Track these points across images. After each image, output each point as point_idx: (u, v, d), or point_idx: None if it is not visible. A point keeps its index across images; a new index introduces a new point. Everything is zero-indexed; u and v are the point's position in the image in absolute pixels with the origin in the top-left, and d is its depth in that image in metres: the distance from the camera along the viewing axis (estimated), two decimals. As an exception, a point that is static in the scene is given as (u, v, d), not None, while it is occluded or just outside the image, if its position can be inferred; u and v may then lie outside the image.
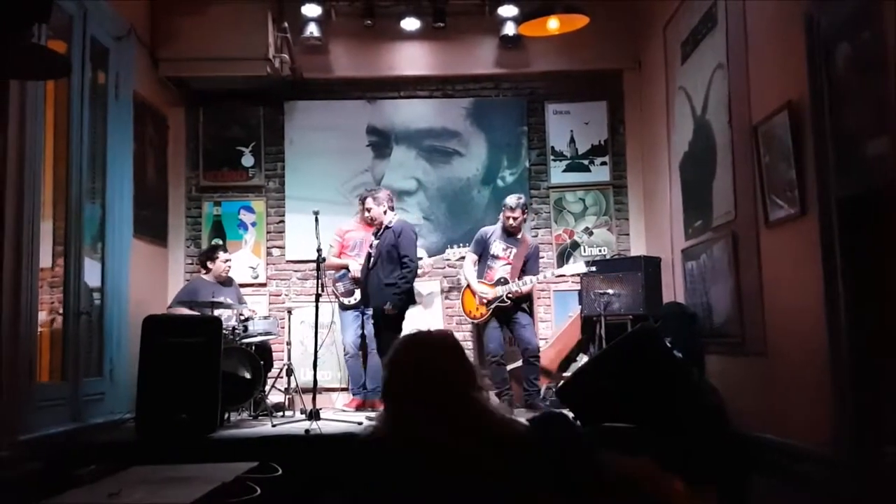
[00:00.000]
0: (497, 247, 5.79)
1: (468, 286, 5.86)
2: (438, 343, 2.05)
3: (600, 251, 6.69)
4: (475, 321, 5.88)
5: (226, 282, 6.01)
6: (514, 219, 5.72)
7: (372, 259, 5.48)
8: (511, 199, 5.79)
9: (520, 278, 5.67)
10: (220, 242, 6.60)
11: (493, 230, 5.88)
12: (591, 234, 6.77)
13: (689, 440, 3.83)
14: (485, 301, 5.70)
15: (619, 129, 6.85)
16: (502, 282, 5.68)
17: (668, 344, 4.42)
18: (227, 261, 6.02)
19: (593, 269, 5.83)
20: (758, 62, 4.11)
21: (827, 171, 3.39)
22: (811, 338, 3.44)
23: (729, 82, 4.49)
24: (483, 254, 5.85)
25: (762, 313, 4.05)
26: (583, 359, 5.85)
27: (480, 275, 5.81)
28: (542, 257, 6.31)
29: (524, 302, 5.78)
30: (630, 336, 4.54)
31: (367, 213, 5.74)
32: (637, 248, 6.62)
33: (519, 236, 5.83)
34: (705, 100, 4.94)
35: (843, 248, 3.29)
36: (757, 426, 4.02)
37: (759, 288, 4.08)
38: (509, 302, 5.64)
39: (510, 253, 5.76)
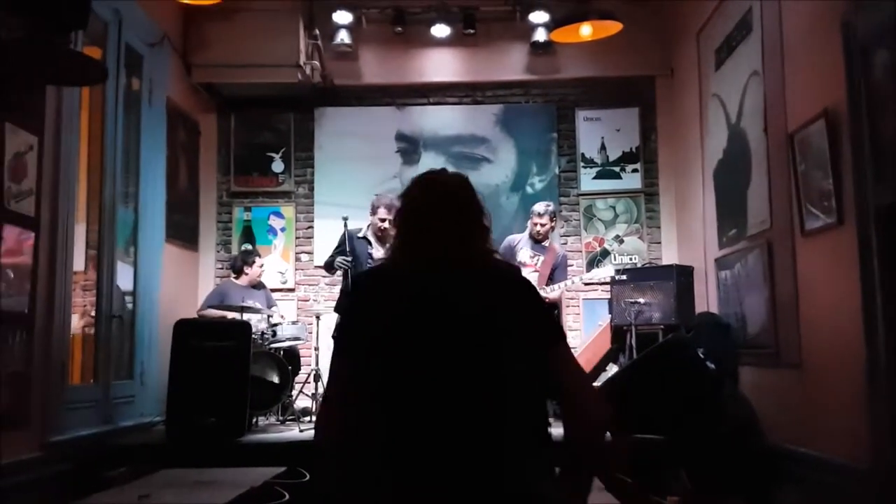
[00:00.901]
0: (524, 254, 5.74)
1: None
2: (458, 181, 1.97)
3: (631, 259, 6.62)
4: None
5: (257, 285, 6.05)
6: (542, 226, 5.66)
7: None
8: (539, 206, 5.75)
9: (547, 286, 5.62)
10: (251, 248, 6.64)
11: (521, 238, 5.84)
12: (621, 242, 6.70)
13: (720, 452, 3.76)
14: None
15: (650, 136, 6.78)
16: None
17: (701, 355, 4.35)
18: (262, 265, 6.10)
19: (623, 276, 5.77)
20: (794, 69, 4.04)
21: (864, 180, 3.31)
22: (848, 350, 3.36)
23: (764, 89, 4.42)
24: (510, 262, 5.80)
25: (797, 324, 3.97)
26: (612, 369, 5.78)
27: None
28: (571, 265, 6.22)
29: (553, 310, 5.72)
30: (661, 346, 4.48)
31: (383, 225, 5.40)
32: (669, 256, 6.54)
33: (546, 244, 5.76)
34: (740, 107, 4.87)
35: (882, 258, 3.22)
36: (791, 439, 3.94)
37: (795, 298, 4.00)
38: None
39: (537, 260, 5.70)
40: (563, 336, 1.77)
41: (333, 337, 1.90)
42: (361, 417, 1.70)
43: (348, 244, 5.37)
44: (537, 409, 1.74)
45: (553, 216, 5.77)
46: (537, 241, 5.74)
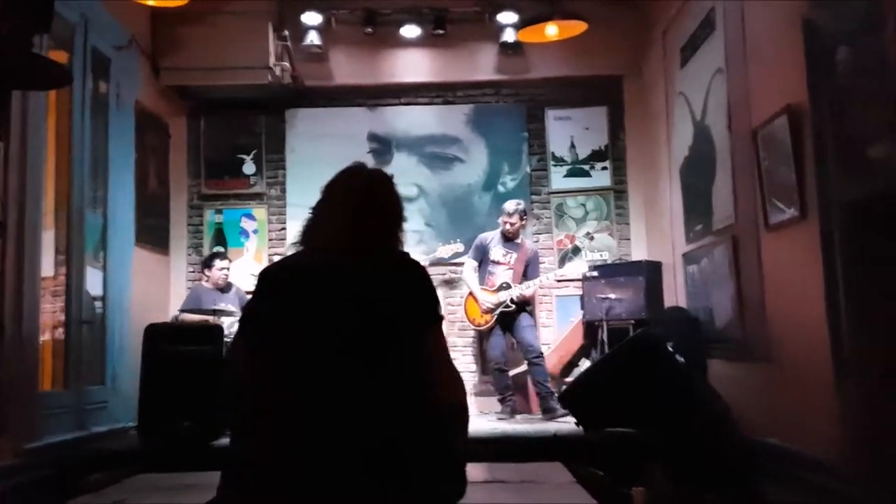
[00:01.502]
0: (497, 252, 5.78)
1: (470, 293, 5.85)
2: (371, 176, 2.12)
3: (601, 256, 6.69)
4: (479, 328, 5.85)
5: (224, 288, 5.98)
6: (512, 224, 5.72)
7: None
8: (509, 205, 5.80)
9: (521, 283, 5.67)
10: (221, 249, 6.61)
11: (493, 236, 5.88)
12: (592, 238, 6.77)
13: (693, 445, 3.83)
14: (488, 308, 5.68)
15: (619, 134, 6.86)
16: (505, 286, 5.66)
17: (671, 349, 4.43)
18: (222, 268, 5.97)
19: (594, 272, 5.84)
20: (757, 66, 4.12)
21: (827, 175, 3.39)
22: (814, 341, 3.44)
23: (728, 87, 4.50)
24: (483, 260, 5.83)
25: (764, 317, 4.05)
26: (585, 364, 5.84)
27: (481, 281, 5.78)
28: (543, 262, 6.29)
29: (527, 306, 5.77)
30: (632, 341, 4.55)
31: None
32: (638, 252, 6.62)
33: (518, 241, 5.82)
34: (705, 104, 4.95)
35: (844, 252, 3.30)
36: (761, 431, 4.01)
37: (761, 292, 4.08)
38: (514, 306, 5.62)
39: (510, 258, 5.75)
40: (435, 321, 1.86)
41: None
42: (249, 387, 1.83)
43: None
44: (412, 385, 1.79)
45: (523, 214, 5.83)
46: (508, 238, 5.79)
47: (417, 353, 1.80)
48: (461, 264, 6.14)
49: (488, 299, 5.68)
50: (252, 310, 1.93)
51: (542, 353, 5.65)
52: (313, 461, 1.71)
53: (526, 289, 5.63)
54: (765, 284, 4.05)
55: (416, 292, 1.87)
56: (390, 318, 1.80)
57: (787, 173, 3.68)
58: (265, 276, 1.98)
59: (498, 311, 5.64)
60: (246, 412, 1.85)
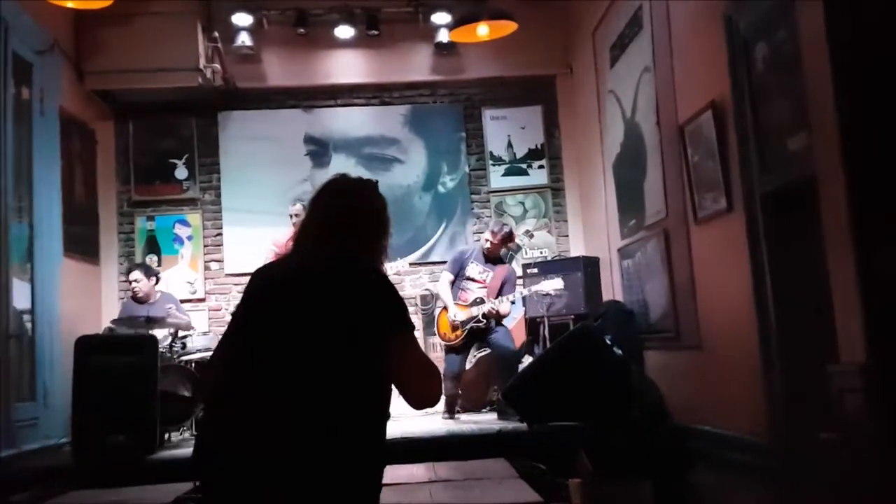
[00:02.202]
0: (474, 269, 5.61)
1: (444, 308, 5.63)
2: (351, 187, 2.21)
3: (541, 253, 6.77)
4: (449, 343, 5.55)
5: (143, 300, 5.67)
6: (494, 244, 5.54)
7: None
8: (494, 225, 5.68)
9: (496, 298, 5.46)
10: (154, 257, 6.47)
11: (472, 251, 5.73)
12: (531, 236, 6.85)
13: (630, 436, 3.90)
14: (458, 325, 5.46)
15: (554, 132, 6.95)
16: (478, 301, 5.47)
17: (608, 341, 4.50)
18: (130, 282, 5.69)
19: (535, 269, 5.88)
20: (682, 64, 4.22)
21: (750, 168, 3.51)
22: (742, 329, 3.54)
23: (655, 84, 4.60)
24: (459, 274, 5.64)
25: (695, 308, 4.15)
26: (528, 360, 5.89)
27: (454, 296, 5.58)
28: (519, 284, 5.92)
29: (500, 322, 5.54)
30: (569, 336, 4.61)
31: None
32: (576, 248, 6.72)
33: (500, 264, 5.68)
34: (634, 102, 5.05)
35: (769, 241, 3.42)
36: (695, 418, 4.12)
37: (692, 283, 4.19)
38: (484, 322, 5.42)
39: (487, 276, 5.57)
40: (402, 329, 1.93)
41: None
42: (221, 386, 1.96)
43: None
44: (372, 388, 1.89)
45: (508, 238, 5.68)
46: (489, 258, 5.61)
47: (382, 359, 1.88)
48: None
49: (459, 315, 5.47)
50: (236, 307, 2.08)
51: (516, 357, 5.51)
52: (249, 450, 1.81)
53: (499, 304, 5.41)
54: (695, 276, 4.16)
55: (379, 302, 1.94)
56: (343, 324, 1.87)
57: (714, 167, 3.78)
58: (250, 278, 2.12)
59: (468, 327, 5.43)
60: (208, 398, 2.02)
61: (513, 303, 5.56)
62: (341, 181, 2.19)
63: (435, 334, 5.86)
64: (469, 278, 5.60)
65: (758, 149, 3.47)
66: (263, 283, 2.06)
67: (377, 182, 2.25)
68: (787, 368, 3.32)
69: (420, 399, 1.93)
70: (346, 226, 2.06)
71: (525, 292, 5.62)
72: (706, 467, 3.88)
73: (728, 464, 3.69)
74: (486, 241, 5.59)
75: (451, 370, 5.50)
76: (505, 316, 5.56)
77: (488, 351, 5.69)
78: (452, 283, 5.65)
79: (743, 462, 3.56)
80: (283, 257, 2.17)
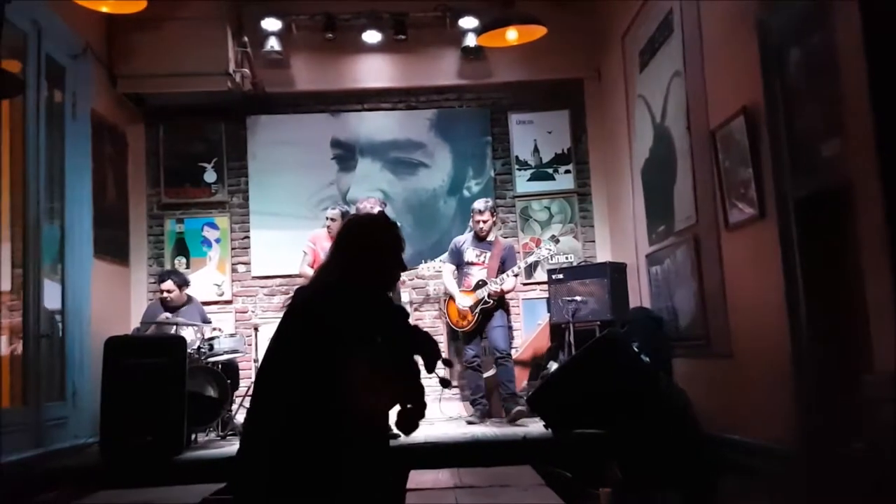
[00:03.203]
0: (470, 254, 5.78)
1: (451, 297, 5.83)
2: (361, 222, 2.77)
3: (567, 258, 6.73)
4: (462, 330, 5.77)
5: (175, 307, 5.80)
6: (484, 222, 5.72)
7: None
8: (479, 203, 5.81)
9: (496, 277, 5.65)
10: (183, 260, 6.54)
11: (465, 238, 5.89)
12: (557, 241, 6.79)
13: (658, 444, 3.86)
14: (468, 310, 5.65)
15: (581, 137, 6.91)
16: (481, 284, 5.65)
17: (635, 349, 4.46)
18: (162, 291, 5.81)
19: (560, 275, 5.88)
20: (713, 68, 4.17)
21: (783, 174, 3.45)
22: (774, 337, 3.49)
23: (686, 89, 4.56)
24: (459, 263, 5.82)
25: (726, 315, 4.10)
26: (552, 366, 5.86)
27: (459, 284, 5.78)
28: (519, 253, 6.30)
29: (502, 301, 5.72)
30: (596, 343, 4.57)
31: None
32: (603, 254, 6.67)
33: (491, 239, 5.82)
34: (664, 107, 5.00)
35: (802, 248, 3.36)
36: (724, 427, 4.06)
37: (722, 290, 4.13)
38: (491, 302, 5.61)
39: (484, 257, 5.74)
40: (368, 341, 2.30)
41: None
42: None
43: None
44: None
45: (493, 211, 5.84)
46: (481, 238, 5.79)
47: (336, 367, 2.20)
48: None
49: (465, 301, 5.66)
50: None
51: (509, 354, 5.65)
52: (255, 448, 2.28)
53: (500, 283, 5.61)
54: (726, 283, 4.11)
55: (352, 318, 2.29)
56: (325, 336, 2.25)
57: (745, 173, 3.73)
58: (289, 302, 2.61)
59: (478, 310, 5.62)
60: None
61: (516, 275, 5.77)
62: (352, 219, 2.79)
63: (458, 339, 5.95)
64: (468, 263, 5.77)
65: (791, 154, 3.41)
66: (290, 301, 2.53)
67: (383, 216, 2.76)
68: (820, 377, 3.25)
69: (363, 410, 2.19)
70: (339, 256, 2.49)
71: (521, 265, 5.83)
72: (736, 477, 3.82)
73: (758, 473, 3.64)
74: (475, 221, 5.76)
75: (472, 353, 5.66)
76: (509, 291, 5.75)
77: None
78: (456, 272, 5.82)
79: (773, 472, 3.51)
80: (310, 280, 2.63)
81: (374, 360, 2.22)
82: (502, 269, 5.69)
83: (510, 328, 5.95)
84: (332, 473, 2.16)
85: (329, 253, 2.55)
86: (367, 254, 2.47)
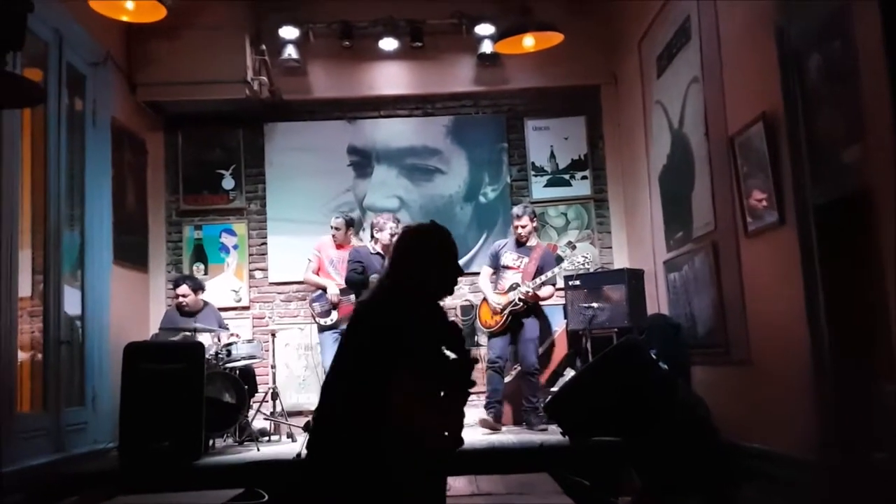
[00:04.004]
0: (508, 257, 5.77)
1: (484, 299, 5.83)
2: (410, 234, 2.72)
3: (583, 264, 6.70)
4: (491, 329, 5.73)
5: (193, 312, 5.85)
6: (523, 227, 5.71)
7: None
8: (517, 208, 5.84)
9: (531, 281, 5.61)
10: (201, 266, 6.58)
11: (506, 242, 5.92)
12: (573, 247, 6.78)
13: (676, 452, 3.83)
14: (498, 310, 5.64)
15: (598, 143, 6.90)
16: (514, 286, 5.62)
17: (653, 356, 4.43)
18: (177, 296, 5.86)
19: (577, 281, 5.85)
20: (732, 75, 4.15)
21: (803, 180, 3.42)
22: (794, 345, 3.46)
23: (704, 95, 4.53)
24: (496, 266, 5.83)
25: (745, 322, 4.07)
26: (570, 373, 5.83)
27: (494, 287, 5.79)
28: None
29: (536, 310, 5.69)
30: (614, 350, 4.55)
31: (392, 240, 5.35)
32: (620, 260, 6.64)
33: (532, 244, 5.80)
34: (682, 113, 4.98)
35: (822, 255, 3.32)
36: (743, 435, 4.02)
37: (741, 297, 4.10)
38: (521, 304, 5.57)
39: (521, 262, 5.71)
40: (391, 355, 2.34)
41: None
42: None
43: (367, 260, 5.40)
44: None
45: (532, 216, 5.82)
46: (521, 243, 5.79)
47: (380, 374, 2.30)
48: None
49: (498, 301, 5.65)
50: None
51: (538, 370, 5.64)
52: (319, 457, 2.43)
53: (534, 286, 5.55)
54: (745, 290, 4.07)
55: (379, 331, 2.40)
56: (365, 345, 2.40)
57: (765, 179, 3.71)
58: None
59: (508, 311, 5.60)
60: None
61: (553, 284, 5.71)
62: (405, 229, 2.79)
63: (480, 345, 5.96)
64: (505, 267, 5.76)
65: (811, 161, 3.38)
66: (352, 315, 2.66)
67: (434, 224, 2.68)
68: (840, 386, 3.22)
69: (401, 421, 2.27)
70: (402, 264, 2.55)
71: (558, 270, 5.70)
72: (755, 485, 3.78)
73: (778, 482, 3.60)
74: (514, 227, 5.77)
75: (496, 354, 5.63)
76: (544, 298, 5.72)
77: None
78: (493, 276, 5.82)
79: (793, 480, 3.47)
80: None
81: (435, 372, 2.34)
82: (539, 273, 5.64)
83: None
84: (388, 484, 2.26)
85: (387, 264, 2.62)
86: (424, 262, 2.52)
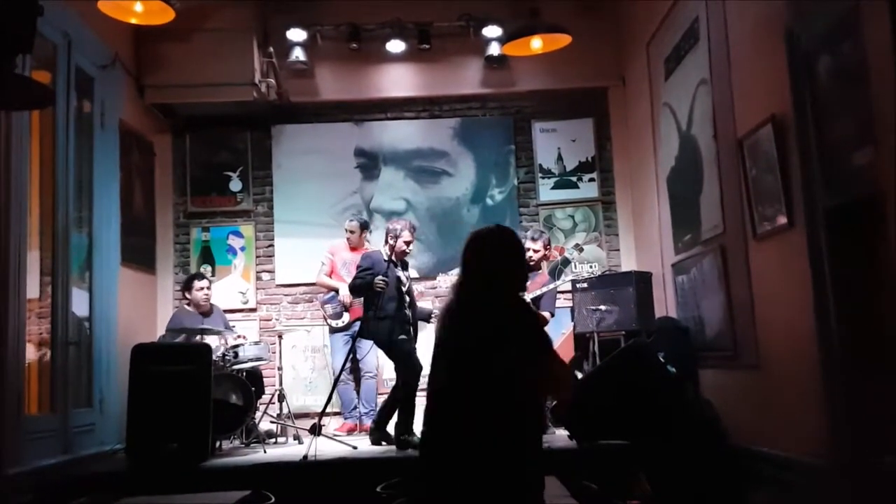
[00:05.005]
0: None
1: None
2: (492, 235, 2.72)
3: (591, 267, 6.69)
4: None
5: (206, 312, 5.89)
6: (535, 251, 5.41)
7: (408, 298, 5.23)
8: (533, 232, 5.56)
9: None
10: (208, 268, 6.59)
11: None
12: (581, 250, 6.74)
13: (684, 455, 3.81)
14: None
15: (605, 145, 6.88)
16: None
17: (661, 359, 4.42)
18: (201, 289, 5.88)
19: (584, 284, 5.79)
20: (741, 77, 4.14)
21: (812, 183, 3.40)
22: (803, 349, 3.44)
23: (713, 97, 4.52)
24: None
25: (753, 326, 4.05)
26: (577, 376, 5.81)
27: None
28: (559, 299, 5.82)
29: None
30: (623, 352, 4.53)
31: (408, 248, 5.32)
32: (627, 263, 6.62)
33: (538, 272, 5.58)
34: (690, 115, 4.97)
35: (831, 259, 3.30)
36: (752, 439, 4.00)
37: (750, 300, 4.08)
38: None
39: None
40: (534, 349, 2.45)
41: None
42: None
43: (379, 265, 5.16)
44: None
45: (548, 244, 5.58)
46: (530, 268, 5.34)
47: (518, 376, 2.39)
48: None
49: None
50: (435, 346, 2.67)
51: None
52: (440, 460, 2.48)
53: (532, 297, 5.25)
54: (754, 293, 4.05)
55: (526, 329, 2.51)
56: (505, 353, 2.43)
57: (774, 182, 3.69)
58: (442, 317, 2.76)
59: None
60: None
61: (552, 314, 5.42)
62: (482, 232, 2.74)
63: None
64: None
65: (820, 164, 3.36)
66: (442, 317, 2.70)
67: (498, 226, 2.76)
68: (850, 389, 3.20)
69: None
70: (488, 270, 2.58)
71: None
72: (764, 490, 3.76)
73: (787, 486, 3.58)
74: (528, 249, 5.30)
75: None
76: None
77: None
78: None
79: (803, 485, 3.45)
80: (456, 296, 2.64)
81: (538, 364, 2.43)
82: (535, 301, 5.32)
83: None
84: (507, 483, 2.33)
85: (468, 268, 2.64)
86: (503, 262, 2.60)
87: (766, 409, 3.92)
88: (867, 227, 3.05)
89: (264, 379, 5.90)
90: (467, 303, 2.56)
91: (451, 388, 2.46)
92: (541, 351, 2.45)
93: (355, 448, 4.92)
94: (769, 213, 3.79)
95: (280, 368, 5.89)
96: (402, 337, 5.11)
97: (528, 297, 5.39)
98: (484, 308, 2.50)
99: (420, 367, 5.11)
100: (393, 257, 5.18)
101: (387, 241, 5.27)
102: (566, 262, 6.72)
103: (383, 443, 5.08)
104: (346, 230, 6.12)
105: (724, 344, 4.45)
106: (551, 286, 5.46)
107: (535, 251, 5.42)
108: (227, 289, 6.60)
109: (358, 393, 6.06)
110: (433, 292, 6.61)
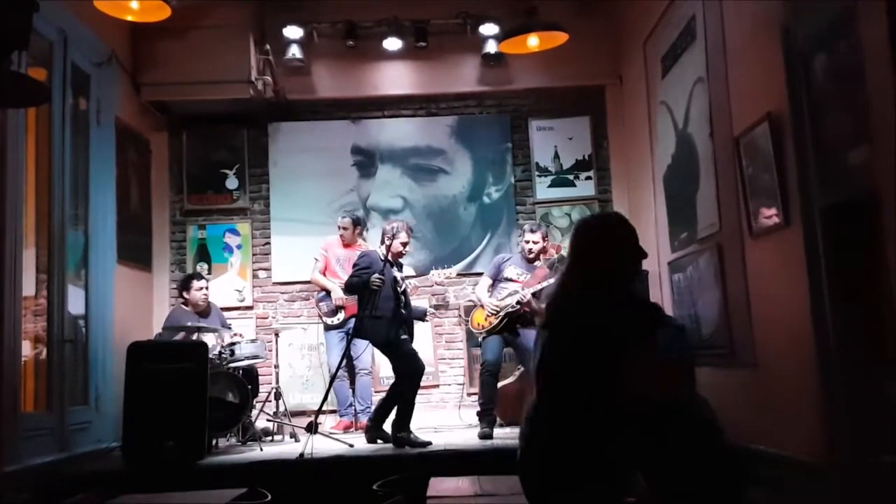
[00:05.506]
0: (512, 270, 5.62)
1: (479, 304, 5.67)
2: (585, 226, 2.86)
3: (587, 265, 6.67)
4: (482, 331, 5.57)
5: (203, 312, 5.88)
6: (535, 243, 5.53)
7: (403, 298, 5.25)
8: (532, 224, 5.67)
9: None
10: (205, 266, 6.59)
11: (511, 256, 5.80)
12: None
13: (680, 453, 3.81)
14: (495, 312, 5.50)
15: (602, 143, 6.88)
16: (512, 293, 5.50)
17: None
18: (200, 289, 5.87)
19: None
20: (737, 75, 4.14)
21: (809, 181, 3.41)
22: (800, 347, 3.44)
23: (709, 95, 4.52)
24: (497, 278, 5.67)
25: (750, 324, 4.05)
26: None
27: (490, 297, 5.62)
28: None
29: (533, 322, 5.48)
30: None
31: (405, 249, 5.37)
32: (624, 261, 6.61)
33: (538, 264, 5.65)
34: (686, 113, 4.97)
35: (828, 257, 3.31)
36: (749, 438, 4.01)
37: (746, 299, 4.09)
38: (518, 307, 5.44)
39: (524, 277, 5.56)
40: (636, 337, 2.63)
41: None
42: None
43: (376, 265, 5.19)
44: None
45: (546, 236, 5.67)
46: (529, 260, 5.63)
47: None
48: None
49: (496, 304, 5.51)
50: None
51: None
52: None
53: (533, 292, 5.41)
54: (750, 291, 4.06)
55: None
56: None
57: (770, 180, 3.69)
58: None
59: (504, 313, 5.47)
60: None
61: None
62: (584, 222, 2.88)
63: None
64: (507, 279, 5.62)
65: (817, 162, 3.37)
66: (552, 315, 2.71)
67: (604, 213, 2.60)
68: (847, 388, 3.20)
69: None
70: (580, 258, 2.69)
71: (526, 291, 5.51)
72: (761, 488, 3.77)
73: (785, 486, 3.59)
74: (527, 241, 5.61)
75: (492, 358, 5.45)
76: (539, 314, 5.42)
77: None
78: (491, 287, 5.67)
79: (800, 484, 3.46)
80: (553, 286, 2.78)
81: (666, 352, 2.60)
82: (538, 295, 5.44)
83: None
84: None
85: (576, 258, 2.70)
86: (615, 250, 2.70)
87: (762, 408, 3.93)
88: (863, 226, 3.06)
89: (261, 377, 5.90)
90: (585, 291, 2.61)
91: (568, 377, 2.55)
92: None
93: (352, 446, 4.92)
94: (765, 212, 3.80)
95: (276, 366, 5.90)
96: (404, 337, 5.15)
97: (528, 291, 5.45)
98: (594, 300, 2.57)
99: (422, 367, 5.15)
100: (389, 257, 5.19)
101: (383, 242, 5.29)
102: (563, 259, 6.71)
103: (380, 441, 5.09)
104: (339, 227, 6.14)
105: (721, 342, 4.46)
106: (551, 281, 5.46)
107: (535, 243, 5.56)
108: (223, 286, 6.60)
109: (353, 390, 6.06)
110: (430, 290, 6.60)
